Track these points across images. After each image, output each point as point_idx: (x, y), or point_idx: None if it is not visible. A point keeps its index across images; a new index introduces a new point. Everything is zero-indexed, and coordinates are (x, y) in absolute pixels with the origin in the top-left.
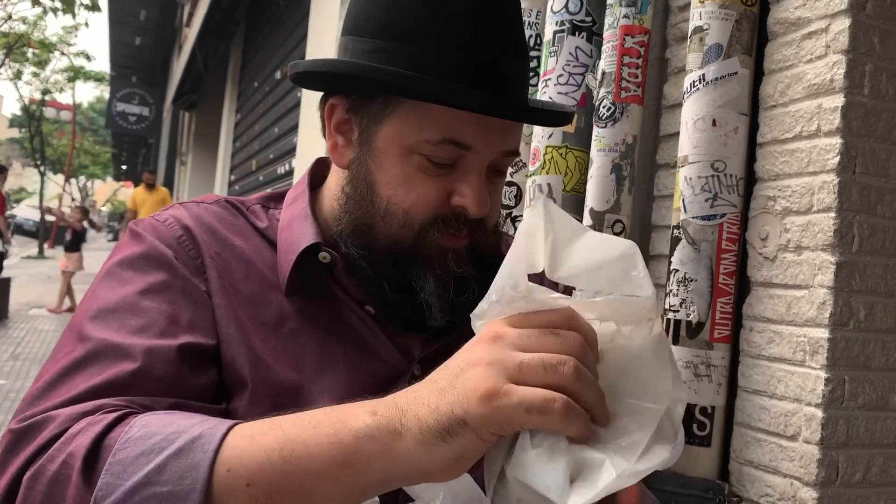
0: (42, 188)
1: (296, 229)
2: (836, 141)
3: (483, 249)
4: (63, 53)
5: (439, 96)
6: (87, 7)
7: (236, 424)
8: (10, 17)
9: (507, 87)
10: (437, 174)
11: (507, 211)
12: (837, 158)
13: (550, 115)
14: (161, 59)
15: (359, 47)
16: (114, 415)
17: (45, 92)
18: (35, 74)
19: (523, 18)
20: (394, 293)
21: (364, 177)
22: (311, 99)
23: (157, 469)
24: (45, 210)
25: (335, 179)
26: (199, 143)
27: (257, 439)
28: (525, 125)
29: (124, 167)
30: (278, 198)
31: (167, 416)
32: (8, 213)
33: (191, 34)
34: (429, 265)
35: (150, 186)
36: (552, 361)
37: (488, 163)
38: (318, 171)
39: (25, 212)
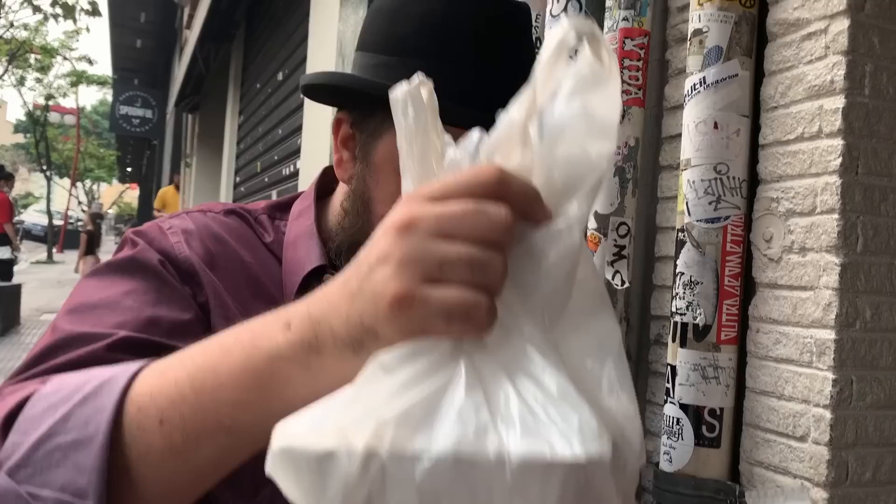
0: (49, 193)
1: (301, 249)
2: (838, 142)
3: None
4: (65, 58)
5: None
6: (87, 12)
7: (152, 361)
8: (11, 24)
9: (504, 105)
10: None
11: None
12: (839, 159)
13: None
14: (163, 61)
15: (364, 62)
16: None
17: (49, 97)
18: (38, 80)
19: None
20: None
21: (361, 193)
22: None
23: (62, 419)
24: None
25: (338, 196)
26: (203, 145)
27: (167, 373)
28: None
29: (129, 169)
30: (285, 207)
31: (89, 370)
32: (16, 219)
33: (191, 37)
34: None
35: (179, 187)
36: (481, 260)
37: None
38: (325, 182)
39: (33, 217)
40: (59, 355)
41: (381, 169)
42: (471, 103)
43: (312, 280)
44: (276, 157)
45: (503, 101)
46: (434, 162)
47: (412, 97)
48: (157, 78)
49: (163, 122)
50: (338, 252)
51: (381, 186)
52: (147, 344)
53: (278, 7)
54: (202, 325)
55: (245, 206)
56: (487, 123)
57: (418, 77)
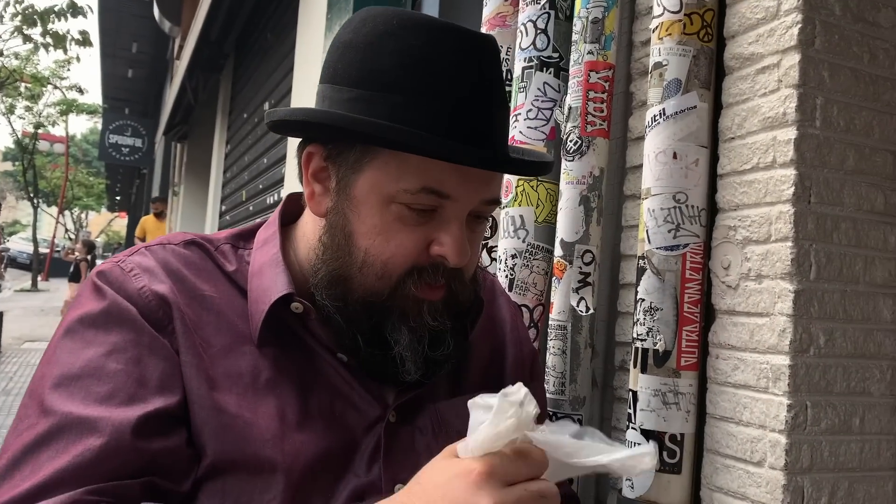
0: (35, 221)
1: (267, 277)
2: (791, 172)
3: (459, 300)
4: (56, 87)
5: (420, 147)
6: (78, 42)
7: None
8: (1, 53)
9: (487, 137)
10: (417, 223)
11: (483, 242)
12: (792, 189)
13: (529, 166)
14: (154, 91)
15: (337, 96)
16: None
17: (39, 125)
18: (28, 108)
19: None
20: (367, 348)
21: (342, 226)
22: None
23: None
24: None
25: (312, 227)
26: (190, 174)
27: None
28: None
29: (118, 198)
30: (248, 235)
31: None
32: (1, 246)
33: (180, 67)
34: (404, 318)
35: (160, 215)
36: (543, 491)
37: (468, 211)
38: (290, 208)
39: (19, 244)
40: (59, 444)
41: (363, 202)
42: (451, 135)
43: (280, 308)
44: (260, 186)
45: (480, 131)
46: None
47: (518, 407)
48: (147, 107)
49: (152, 151)
50: (318, 286)
51: (362, 219)
52: (137, 420)
53: (266, 38)
54: (178, 369)
55: (206, 236)
56: (467, 154)
57: (524, 393)
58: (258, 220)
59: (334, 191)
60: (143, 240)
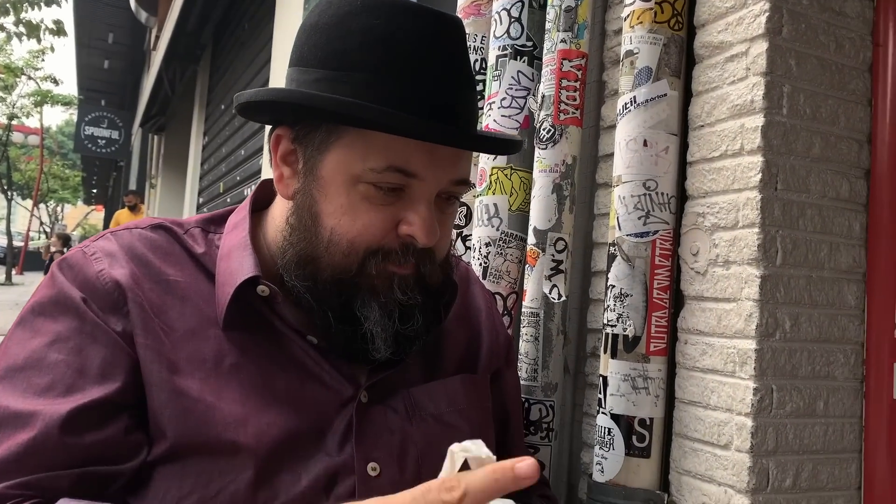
0: (9, 214)
1: (235, 260)
2: (758, 159)
3: (429, 280)
4: (30, 78)
5: (382, 124)
6: (52, 31)
7: None
8: None
9: (453, 116)
10: (384, 203)
11: (458, 230)
12: (759, 176)
13: (497, 143)
14: (131, 82)
15: (304, 77)
16: None
17: (12, 117)
18: (1, 99)
19: (469, 44)
20: (338, 324)
21: (309, 207)
22: None
23: None
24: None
25: (280, 210)
26: (168, 166)
27: None
28: None
29: (95, 191)
30: (219, 220)
31: None
32: None
33: (157, 57)
34: (374, 293)
35: (133, 208)
36: None
37: (437, 191)
38: (263, 194)
39: None
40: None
41: (330, 182)
42: (415, 112)
43: (246, 291)
44: (238, 178)
45: (445, 109)
46: None
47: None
48: (124, 99)
49: (129, 144)
50: (286, 267)
51: (329, 199)
52: (70, 412)
53: (243, 29)
54: (125, 356)
55: (177, 220)
56: (430, 131)
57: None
58: (230, 207)
59: (302, 172)
60: None
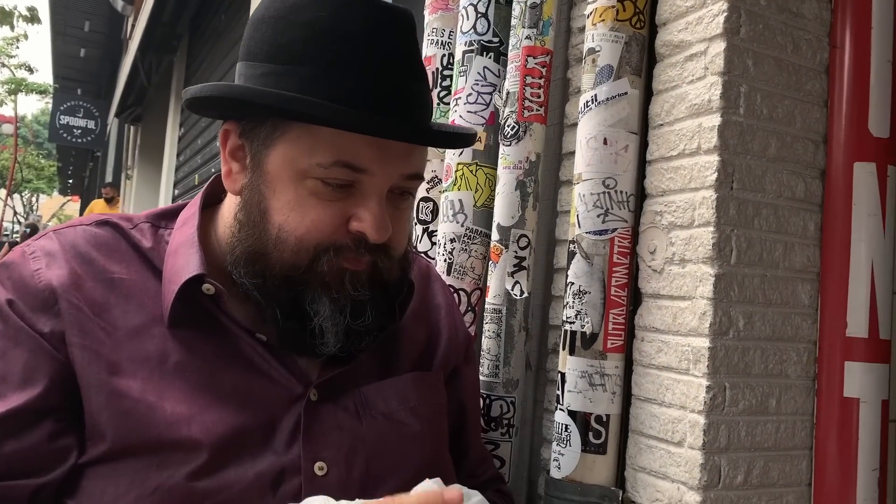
0: None
1: (181, 257)
2: (714, 158)
3: (384, 276)
4: (4, 65)
5: (326, 119)
6: (25, 19)
7: None
8: None
9: (401, 109)
10: (334, 199)
11: (424, 226)
12: (715, 175)
13: (449, 137)
14: (108, 72)
15: (250, 72)
16: None
17: None
18: None
19: (437, 39)
20: (286, 321)
21: (257, 202)
22: None
23: None
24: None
25: (229, 206)
26: (144, 157)
27: None
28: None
29: (70, 181)
30: (171, 215)
31: None
32: None
33: (132, 47)
34: (325, 288)
35: (110, 200)
36: None
37: (389, 186)
38: (216, 189)
39: None
40: None
41: (277, 177)
42: (362, 106)
43: (192, 289)
44: (213, 170)
45: (392, 102)
46: None
47: None
48: (101, 88)
49: (105, 134)
50: (235, 264)
51: (277, 195)
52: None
53: (220, 20)
54: (50, 359)
55: (125, 215)
56: (378, 125)
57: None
58: (183, 201)
59: (249, 167)
60: None
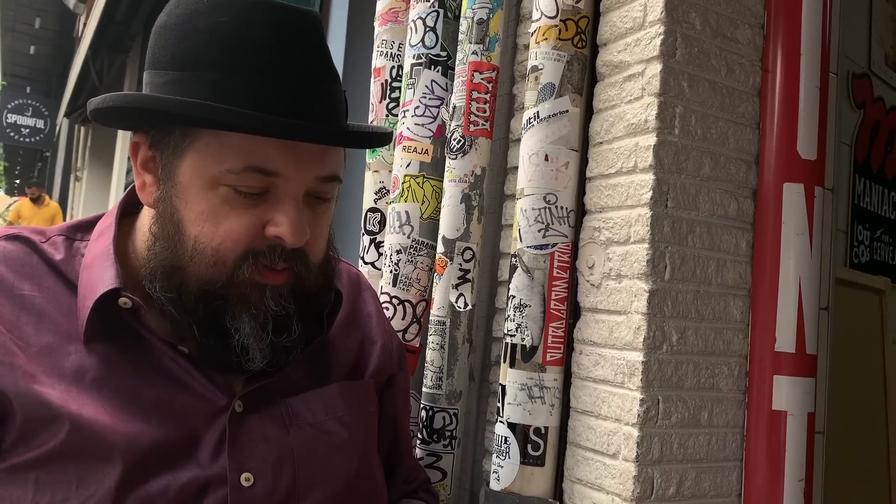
0: None
1: (96, 271)
2: (650, 177)
3: (305, 284)
4: None
5: (230, 123)
6: None
7: None
8: None
9: (311, 110)
10: (247, 205)
11: (372, 237)
12: (650, 193)
13: (360, 137)
14: (58, 70)
15: (155, 80)
16: None
17: None
18: None
19: (386, 51)
20: (205, 337)
21: (170, 215)
22: None
23: None
24: None
25: (146, 218)
26: (94, 159)
27: None
28: (383, 149)
29: (18, 182)
30: (87, 226)
31: None
32: None
33: (83, 46)
34: (244, 304)
35: (36, 200)
36: None
37: (304, 190)
38: (132, 201)
39: None
40: None
41: (188, 187)
42: (268, 109)
43: (108, 303)
44: None
45: (299, 104)
46: None
47: None
48: (51, 87)
49: (55, 134)
50: (150, 278)
51: (189, 206)
52: None
53: None
54: None
55: (38, 229)
56: (284, 127)
57: None
58: (101, 212)
59: (161, 179)
60: (14, 225)
